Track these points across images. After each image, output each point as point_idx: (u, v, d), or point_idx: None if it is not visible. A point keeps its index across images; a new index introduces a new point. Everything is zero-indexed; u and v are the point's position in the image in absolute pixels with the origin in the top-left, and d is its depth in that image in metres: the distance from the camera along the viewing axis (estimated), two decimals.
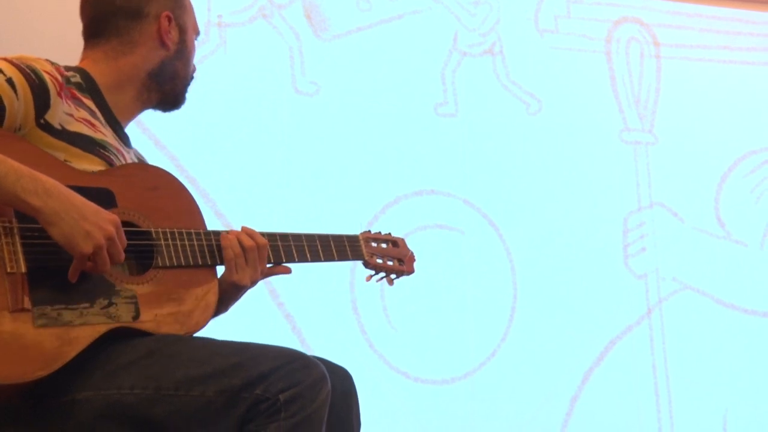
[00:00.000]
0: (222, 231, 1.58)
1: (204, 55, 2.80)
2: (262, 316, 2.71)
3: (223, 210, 2.71)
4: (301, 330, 2.77)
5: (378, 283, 1.84)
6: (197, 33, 1.69)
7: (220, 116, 2.80)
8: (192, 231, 1.50)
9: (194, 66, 1.68)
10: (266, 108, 2.90)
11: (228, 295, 1.60)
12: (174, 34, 1.61)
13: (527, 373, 3.00)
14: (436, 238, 3.03)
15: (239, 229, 1.60)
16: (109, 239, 1.30)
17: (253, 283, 1.60)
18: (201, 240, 1.51)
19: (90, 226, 1.28)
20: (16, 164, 1.26)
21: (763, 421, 3.17)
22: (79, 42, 1.61)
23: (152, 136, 2.62)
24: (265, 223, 2.84)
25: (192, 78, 1.68)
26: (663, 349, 3.16)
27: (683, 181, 3.31)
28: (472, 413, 2.93)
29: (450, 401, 2.92)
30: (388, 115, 3.05)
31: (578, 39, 3.32)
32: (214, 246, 1.54)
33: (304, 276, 2.70)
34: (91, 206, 1.31)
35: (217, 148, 2.75)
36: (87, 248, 1.28)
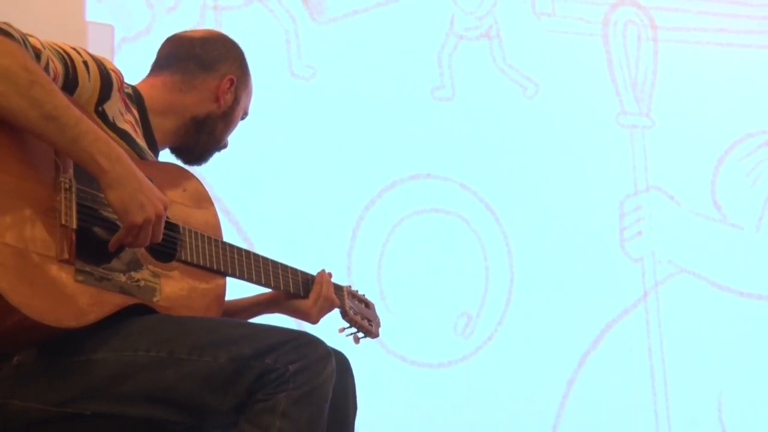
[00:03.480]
0: (309, 274, 1.79)
1: None
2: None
3: (220, 194, 2.71)
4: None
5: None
6: (245, 114, 1.84)
7: None
8: (213, 238, 1.60)
9: (227, 142, 1.82)
10: (262, 92, 2.88)
11: (280, 310, 1.81)
12: (229, 98, 1.74)
13: (524, 357, 3.02)
14: (432, 222, 3.03)
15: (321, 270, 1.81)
16: (158, 217, 1.37)
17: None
18: (220, 249, 1.61)
19: (146, 199, 1.35)
20: (95, 126, 1.34)
21: (758, 403, 3.19)
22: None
23: None
24: (261, 206, 2.85)
25: (222, 147, 1.81)
26: (659, 332, 3.17)
27: (680, 165, 3.31)
28: (469, 396, 2.95)
29: (447, 384, 2.94)
30: (385, 99, 3.04)
31: (575, 22, 3.31)
32: (273, 272, 1.72)
33: (301, 260, 2.70)
34: (149, 183, 1.38)
35: None
36: (138, 218, 1.34)
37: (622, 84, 3.32)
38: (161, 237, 1.40)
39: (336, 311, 1.88)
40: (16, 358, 1.36)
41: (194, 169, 1.75)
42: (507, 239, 3.09)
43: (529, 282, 3.07)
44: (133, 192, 1.33)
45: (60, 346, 1.35)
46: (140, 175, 1.37)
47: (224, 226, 1.70)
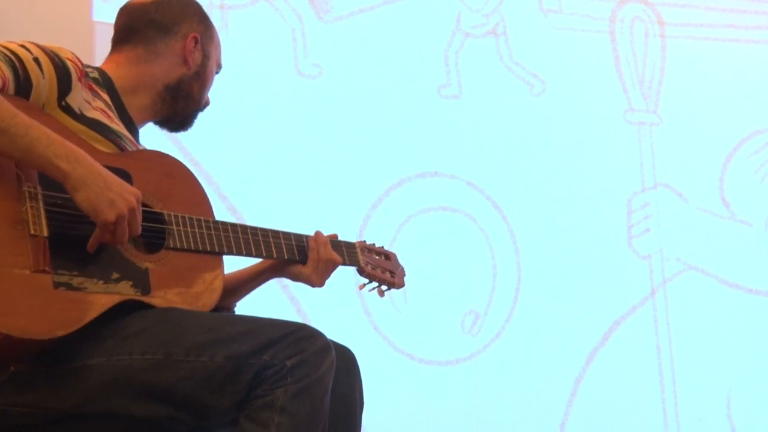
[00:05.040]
0: (302, 234, 1.71)
1: None
2: (267, 299, 2.71)
3: (227, 193, 2.72)
4: (306, 312, 2.78)
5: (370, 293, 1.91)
6: (219, 67, 1.77)
7: (223, 99, 2.79)
8: (203, 219, 1.55)
9: (209, 99, 1.75)
10: (269, 91, 2.89)
11: (279, 275, 1.74)
12: (197, 56, 1.68)
13: (531, 354, 3.01)
14: (440, 221, 3.03)
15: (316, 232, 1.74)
16: (131, 210, 1.34)
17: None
18: (210, 229, 1.56)
19: (114, 195, 1.32)
20: (47, 130, 1.31)
21: (767, 400, 3.18)
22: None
23: None
24: (267, 204, 2.85)
25: (204, 106, 1.75)
26: (667, 330, 3.16)
27: (688, 162, 3.30)
28: (477, 394, 2.95)
29: (454, 382, 2.94)
30: (391, 97, 3.04)
31: (582, 19, 3.30)
32: (267, 241, 1.65)
33: None
34: (116, 178, 1.35)
35: (220, 132, 2.74)
36: (110, 216, 1.32)
37: (630, 81, 3.31)
38: (140, 229, 1.37)
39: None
40: (12, 366, 1.35)
41: (197, 165, 1.74)
42: (514, 237, 3.08)
43: (537, 280, 3.07)
44: (100, 191, 1.31)
45: (55, 352, 1.33)
46: (104, 171, 1.34)
47: None
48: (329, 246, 1.74)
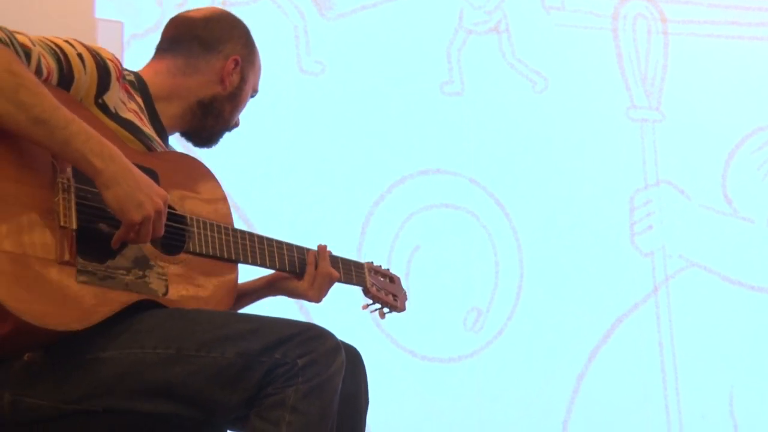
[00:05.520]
0: (304, 247, 1.72)
1: None
2: (270, 297, 2.72)
3: (230, 190, 2.71)
4: (309, 310, 2.78)
5: (373, 313, 1.93)
6: (254, 92, 1.79)
7: None
8: (222, 225, 1.57)
9: (239, 121, 1.78)
10: (271, 88, 2.89)
11: (280, 293, 1.76)
12: (235, 78, 1.70)
13: (534, 352, 3.01)
14: (442, 218, 3.03)
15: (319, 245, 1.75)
16: (158, 212, 1.36)
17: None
18: (229, 236, 1.58)
19: (143, 196, 1.34)
20: (86, 126, 1.32)
21: None
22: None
23: None
24: (270, 202, 2.85)
25: (233, 127, 1.77)
26: (669, 327, 3.16)
27: (690, 159, 3.30)
28: (479, 391, 2.95)
29: (457, 379, 2.94)
30: (394, 94, 3.04)
31: (585, 16, 3.30)
32: (278, 253, 1.67)
33: None
34: (147, 179, 1.37)
35: None
36: (137, 216, 1.33)
37: (632, 78, 3.31)
38: (163, 231, 1.39)
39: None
40: (27, 355, 1.36)
41: (202, 155, 1.75)
42: (517, 234, 3.08)
43: (539, 277, 3.07)
44: (130, 190, 1.32)
45: (69, 344, 1.34)
46: (136, 171, 1.35)
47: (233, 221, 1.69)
48: (328, 260, 1.74)
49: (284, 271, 1.70)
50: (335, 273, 1.75)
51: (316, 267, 1.72)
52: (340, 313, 2.77)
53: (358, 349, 1.59)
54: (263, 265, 1.66)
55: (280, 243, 1.69)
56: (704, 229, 3.26)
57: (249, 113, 2.95)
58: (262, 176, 2.85)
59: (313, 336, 1.39)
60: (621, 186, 3.22)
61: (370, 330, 2.83)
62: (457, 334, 2.97)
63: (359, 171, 2.96)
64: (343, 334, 1.55)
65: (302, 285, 1.72)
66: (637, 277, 3.17)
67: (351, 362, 1.51)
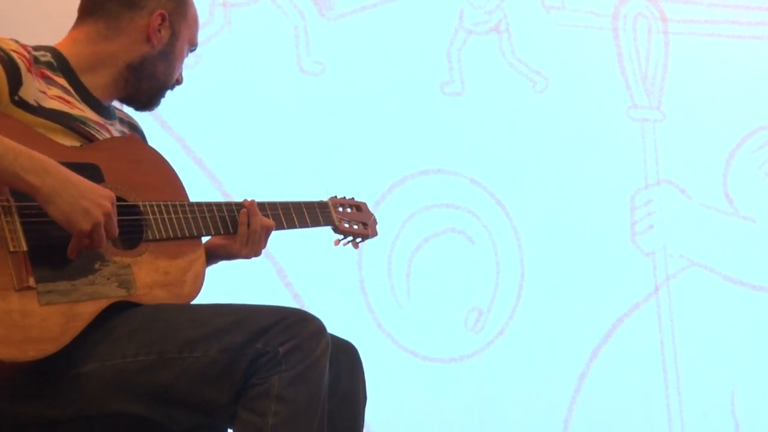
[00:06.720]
0: (232, 202, 1.62)
1: (209, 35, 2.79)
2: (270, 297, 2.72)
3: (230, 190, 2.71)
4: (309, 310, 2.77)
5: (345, 246, 1.88)
6: (192, 46, 1.67)
7: (226, 97, 2.80)
8: (177, 203, 1.51)
9: (181, 78, 1.66)
10: (271, 88, 2.89)
11: (220, 258, 1.66)
12: (164, 35, 1.58)
13: (535, 351, 3.01)
14: (443, 218, 3.03)
15: (244, 200, 1.65)
16: (107, 215, 1.31)
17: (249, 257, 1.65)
18: (186, 212, 1.52)
19: (88, 203, 1.28)
20: (12, 143, 1.26)
21: None
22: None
23: (158, 117, 2.62)
24: None
25: (173, 86, 1.66)
26: (671, 327, 3.16)
27: (691, 158, 3.30)
28: (480, 391, 2.95)
29: (458, 379, 2.94)
30: (394, 95, 3.04)
31: (585, 15, 3.30)
32: (222, 217, 1.59)
33: (312, 256, 2.71)
34: (88, 183, 1.31)
35: (223, 129, 2.75)
36: (86, 225, 1.29)
37: (633, 77, 3.31)
38: (117, 232, 1.34)
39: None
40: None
41: (199, 163, 1.72)
42: (517, 234, 3.08)
43: (540, 276, 3.07)
44: (72, 200, 1.27)
45: (50, 362, 1.30)
46: (75, 178, 1.29)
47: None
48: (259, 214, 1.66)
49: (228, 233, 1.63)
50: (270, 223, 1.68)
51: (249, 226, 1.64)
52: (342, 315, 2.77)
53: (359, 349, 1.58)
54: (217, 233, 1.59)
55: (210, 205, 1.60)
56: (705, 229, 3.26)
57: (249, 113, 2.96)
58: (262, 176, 2.85)
59: (295, 321, 1.36)
60: (622, 185, 3.22)
61: (370, 330, 2.83)
62: (458, 334, 2.97)
63: (359, 171, 2.95)
64: (342, 334, 1.55)
65: (235, 246, 1.64)
66: (638, 277, 3.17)
67: (348, 359, 1.49)
